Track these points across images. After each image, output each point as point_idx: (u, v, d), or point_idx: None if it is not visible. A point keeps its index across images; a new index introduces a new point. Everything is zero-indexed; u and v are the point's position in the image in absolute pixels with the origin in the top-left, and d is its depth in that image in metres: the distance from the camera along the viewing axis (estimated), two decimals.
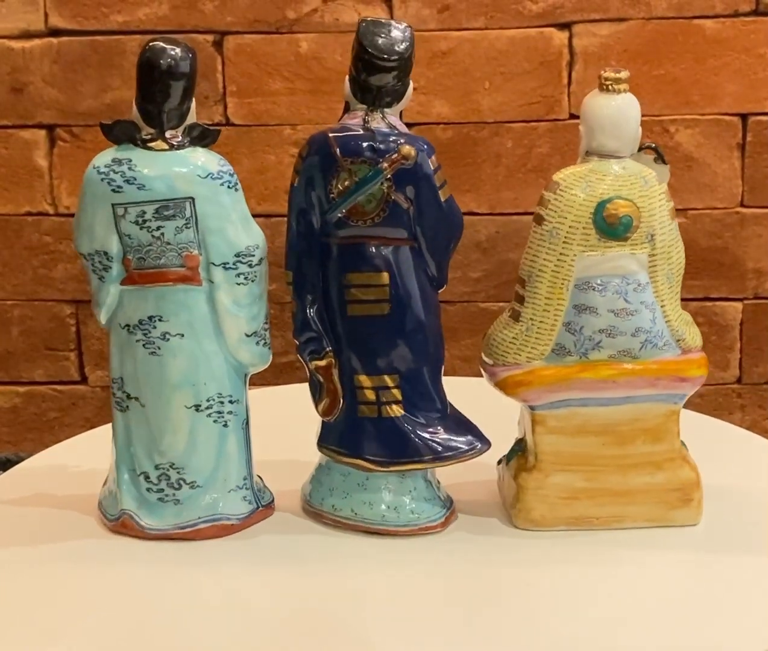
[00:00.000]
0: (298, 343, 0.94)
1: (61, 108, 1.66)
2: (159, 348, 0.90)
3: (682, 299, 1.65)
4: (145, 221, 0.87)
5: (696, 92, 1.59)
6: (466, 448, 0.92)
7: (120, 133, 0.88)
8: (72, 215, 1.73)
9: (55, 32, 1.65)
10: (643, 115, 1.62)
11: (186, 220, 0.88)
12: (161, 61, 0.87)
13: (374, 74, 0.90)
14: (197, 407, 0.91)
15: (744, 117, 1.60)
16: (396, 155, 0.88)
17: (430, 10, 1.59)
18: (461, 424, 0.94)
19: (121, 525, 0.92)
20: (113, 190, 0.87)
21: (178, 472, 0.91)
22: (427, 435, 0.91)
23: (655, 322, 0.91)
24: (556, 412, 0.90)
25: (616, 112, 0.91)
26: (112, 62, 1.64)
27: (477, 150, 1.61)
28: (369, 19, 0.92)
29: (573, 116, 1.61)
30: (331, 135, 0.90)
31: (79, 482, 1.04)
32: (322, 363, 0.92)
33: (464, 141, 1.62)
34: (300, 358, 0.95)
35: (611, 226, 0.88)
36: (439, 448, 0.91)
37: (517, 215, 1.64)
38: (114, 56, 1.64)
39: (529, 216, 1.68)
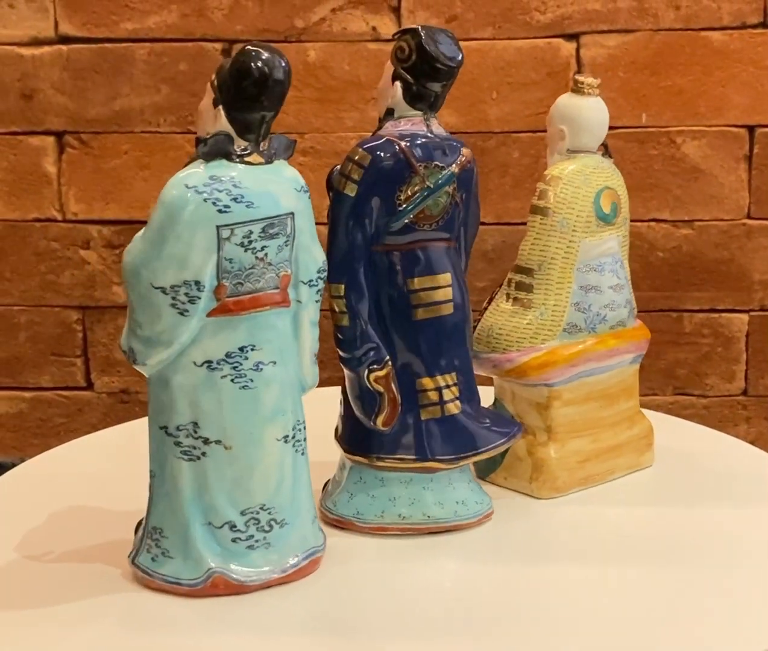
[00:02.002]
0: (352, 356, 0.90)
1: (70, 115, 1.67)
2: (251, 380, 0.81)
3: (688, 310, 1.67)
4: (250, 242, 0.80)
5: (703, 104, 1.59)
6: (509, 431, 0.96)
7: (218, 148, 0.80)
8: (80, 221, 1.75)
9: (65, 39, 1.65)
10: (650, 126, 1.63)
11: (286, 237, 0.83)
12: (275, 69, 0.80)
13: (438, 81, 0.92)
14: (286, 438, 0.84)
15: (751, 129, 1.60)
16: (463, 158, 0.92)
17: (437, 20, 1.60)
18: (493, 412, 1.00)
19: (212, 586, 0.82)
20: (219, 211, 0.79)
21: (269, 513, 0.83)
22: (480, 425, 0.95)
23: (632, 293, 1.05)
24: (570, 385, 0.99)
25: (601, 113, 1.03)
26: (122, 70, 1.65)
27: (484, 160, 1.62)
28: (425, 27, 0.93)
29: None
30: (402, 143, 0.90)
31: (80, 485, 1.04)
32: (382, 373, 0.90)
33: (471, 151, 1.62)
34: (352, 371, 0.91)
35: (606, 213, 1.01)
36: (492, 436, 0.95)
37: (524, 225, 1.64)
38: (123, 64, 1.65)
39: None
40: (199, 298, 0.79)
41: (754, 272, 1.63)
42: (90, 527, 0.96)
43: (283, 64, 0.81)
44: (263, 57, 0.80)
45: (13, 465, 1.64)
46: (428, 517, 0.93)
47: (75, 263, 1.71)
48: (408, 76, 0.91)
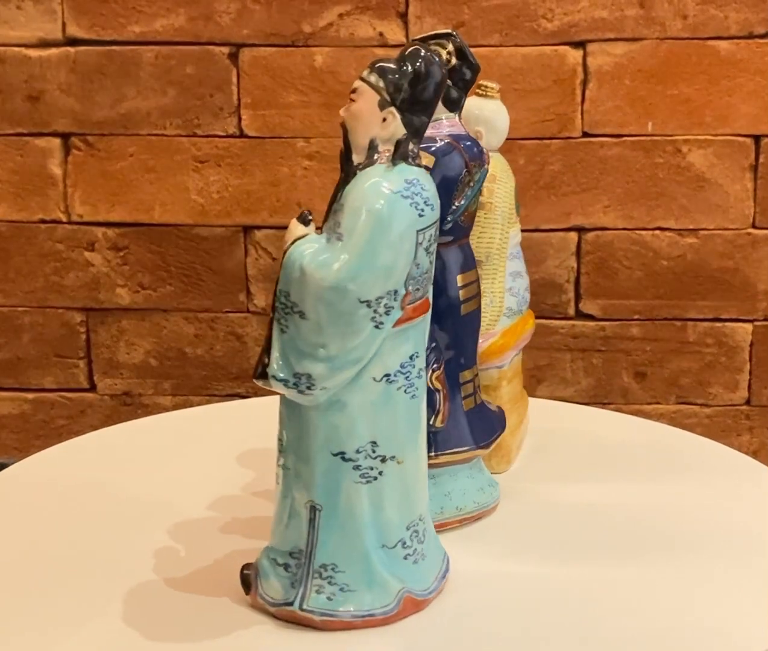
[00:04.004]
0: None
1: (76, 117, 1.67)
2: (417, 389, 0.79)
3: (692, 319, 1.67)
4: (430, 245, 0.78)
5: (709, 113, 1.60)
6: (500, 408, 1.02)
7: (405, 151, 0.77)
8: (85, 223, 1.75)
9: (73, 41, 1.66)
10: (656, 135, 1.63)
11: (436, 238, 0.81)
12: (445, 72, 0.79)
13: (472, 82, 0.94)
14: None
15: (757, 138, 1.60)
16: (487, 156, 0.94)
17: (445, 27, 1.60)
18: None
19: (404, 609, 0.78)
20: (419, 215, 0.75)
21: (423, 523, 0.81)
22: (494, 409, 1.00)
23: None
24: (511, 364, 1.07)
25: (506, 115, 1.09)
26: (128, 72, 1.65)
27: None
28: (457, 32, 0.94)
29: (586, 134, 1.62)
30: (458, 144, 0.91)
31: (79, 484, 1.04)
32: (441, 372, 0.91)
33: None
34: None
35: (518, 206, 1.09)
36: (499, 416, 1.00)
37: (528, 232, 1.64)
38: (130, 66, 1.65)
39: (540, 233, 1.70)
40: (393, 308, 0.76)
41: (758, 282, 1.63)
42: (86, 527, 0.96)
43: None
44: (438, 59, 0.78)
45: None
46: (477, 503, 0.95)
47: (79, 265, 1.71)
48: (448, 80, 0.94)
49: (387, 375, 0.77)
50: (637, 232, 1.64)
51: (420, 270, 0.77)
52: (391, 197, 0.74)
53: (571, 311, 1.67)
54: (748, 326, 1.65)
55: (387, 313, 0.75)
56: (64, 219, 1.71)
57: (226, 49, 1.64)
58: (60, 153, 1.69)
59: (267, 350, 0.76)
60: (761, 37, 1.57)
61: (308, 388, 0.75)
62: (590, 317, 1.67)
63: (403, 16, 1.61)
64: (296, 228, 0.77)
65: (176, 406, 1.71)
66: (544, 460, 1.11)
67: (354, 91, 0.77)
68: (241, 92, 1.65)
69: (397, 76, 0.77)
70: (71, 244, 1.71)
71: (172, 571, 0.88)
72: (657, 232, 1.63)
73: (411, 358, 0.78)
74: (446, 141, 0.91)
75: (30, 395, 1.76)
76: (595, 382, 1.68)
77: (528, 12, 1.59)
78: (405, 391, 0.78)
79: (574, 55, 1.60)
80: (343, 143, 0.77)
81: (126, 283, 1.71)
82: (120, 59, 1.65)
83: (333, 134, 1.63)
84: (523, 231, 1.65)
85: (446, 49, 0.93)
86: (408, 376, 0.78)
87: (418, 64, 0.77)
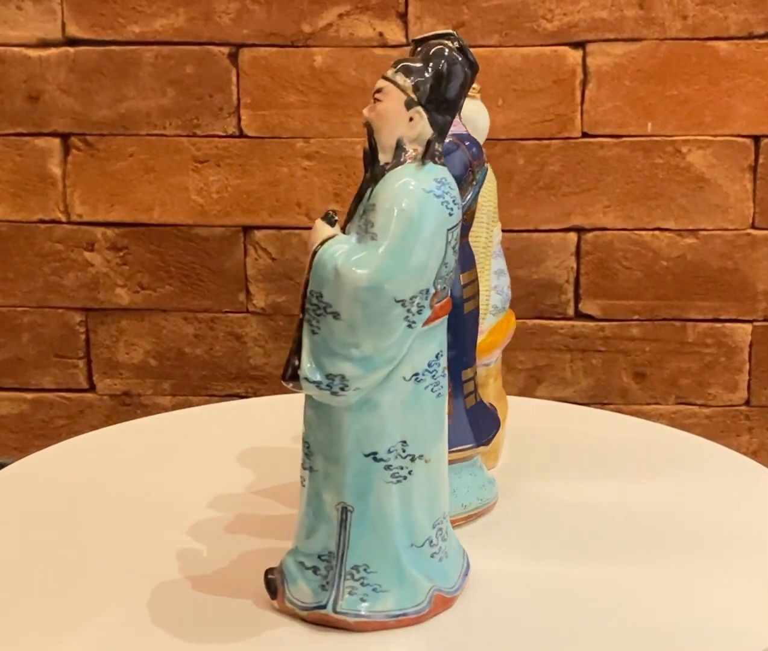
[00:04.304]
0: None
1: (76, 117, 1.67)
2: (442, 387, 0.79)
3: (691, 320, 1.67)
4: (456, 244, 0.78)
5: (709, 113, 1.60)
6: (493, 405, 1.02)
7: (434, 150, 0.77)
8: (85, 223, 1.75)
9: (72, 41, 1.66)
10: (655, 135, 1.63)
11: None
12: (467, 71, 0.79)
13: (472, 82, 0.95)
14: None
15: (756, 139, 1.60)
16: (485, 154, 0.95)
17: (444, 27, 1.60)
18: None
19: (434, 607, 0.79)
20: (449, 214, 0.76)
21: (446, 520, 0.81)
22: (489, 406, 1.00)
23: None
24: (495, 362, 1.08)
25: (486, 115, 1.11)
26: (128, 72, 1.65)
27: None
28: (457, 32, 0.95)
29: (585, 135, 1.62)
30: (462, 143, 0.92)
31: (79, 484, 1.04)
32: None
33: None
34: None
35: (498, 204, 1.09)
36: (494, 412, 1.00)
37: (527, 232, 1.65)
38: (130, 66, 1.65)
39: (539, 233, 1.70)
40: (424, 307, 0.76)
41: (758, 282, 1.63)
42: (84, 526, 0.96)
43: None
44: (461, 59, 0.78)
45: None
46: (480, 500, 0.96)
47: (79, 265, 1.71)
48: None
49: (416, 374, 0.77)
50: (637, 232, 1.64)
51: (447, 269, 0.77)
52: (424, 197, 0.74)
53: (571, 311, 1.67)
54: (748, 327, 1.65)
55: (419, 312, 0.75)
56: (64, 219, 1.71)
57: (225, 49, 1.64)
58: (59, 153, 1.69)
59: (296, 352, 0.75)
60: (761, 37, 1.57)
61: (341, 389, 0.74)
62: (590, 317, 1.67)
63: (403, 17, 1.61)
64: (323, 228, 0.76)
65: (176, 406, 1.71)
66: (540, 458, 1.11)
67: (379, 90, 0.77)
68: (241, 92, 1.65)
69: (423, 75, 0.77)
70: (71, 244, 1.71)
71: (171, 572, 0.87)
72: (656, 232, 1.63)
73: (437, 356, 0.78)
74: (450, 140, 0.91)
75: (29, 395, 1.76)
76: (594, 383, 1.68)
77: (528, 12, 1.59)
78: (432, 390, 0.78)
79: (574, 56, 1.60)
80: (368, 143, 0.76)
81: (125, 283, 1.71)
82: (119, 59, 1.65)
83: (332, 134, 1.63)
84: (522, 231, 1.66)
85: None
86: (434, 375, 0.78)
87: (443, 63, 0.77)
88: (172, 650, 0.77)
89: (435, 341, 0.78)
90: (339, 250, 0.74)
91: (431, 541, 0.79)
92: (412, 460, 0.77)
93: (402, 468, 0.77)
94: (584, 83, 1.61)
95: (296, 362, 0.75)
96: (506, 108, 1.61)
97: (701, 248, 1.63)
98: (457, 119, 0.95)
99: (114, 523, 0.97)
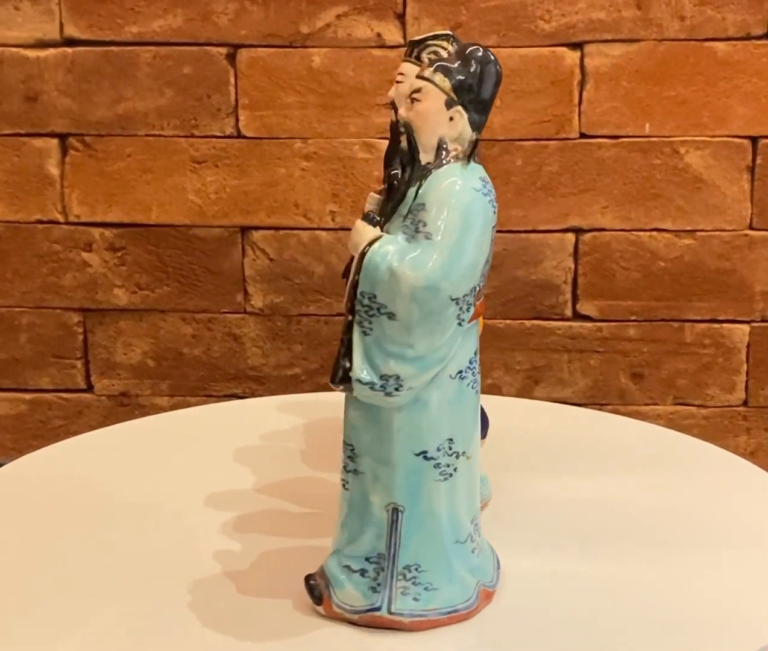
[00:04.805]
0: None
1: (74, 117, 1.67)
2: (478, 383, 0.80)
3: (689, 321, 1.67)
4: (492, 242, 0.79)
5: (707, 114, 1.60)
6: None
7: (476, 150, 0.78)
8: (82, 224, 1.75)
9: (70, 42, 1.66)
10: (653, 136, 1.63)
11: None
12: (500, 70, 0.80)
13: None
14: None
15: (754, 139, 1.60)
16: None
17: (442, 27, 1.60)
18: None
19: (480, 602, 0.81)
20: (493, 212, 0.77)
21: (479, 515, 0.83)
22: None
23: None
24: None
25: None
26: (126, 73, 1.65)
27: (487, 167, 1.59)
28: (454, 32, 0.96)
29: (583, 135, 1.62)
30: None
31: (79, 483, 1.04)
32: None
33: None
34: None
35: None
36: (484, 410, 0.99)
37: (526, 233, 1.65)
38: (128, 67, 1.65)
39: (537, 234, 1.70)
40: (471, 305, 0.77)
41: (755, 283, 1.63)
42: (81, 526, 0.95)
43: None
44: (494, 58, 0.79)
45: None
46: (483, 495, 0.96)
47: (77, 265, 1.71)
48: None
49: (460, 371, 0.78)
50: (635, 233, 1.64)
51: (488, 266, 0.78)
52: (474, 195, 0.75)
53: (569, 312, 1.67)
54: (746, 327, 1.65)
55: (467, 310, 0.76)
56: (62, 219, 1.70)
57: (223, 50, 1.64)
58: (57, 153, 1.69)
59: (346, 354, 0.75)
60: (758, 38, 1.58)
61: (396, 389, 0.75)
62: (587, 318, 1.67)
63: (401, 17, 1.61)
64: (366, 229, 0.77)
65: (173, 407, 1.70)
66: (538, 458, 1.11)
67: (418, 90, 0.77)
68: (239, 93, 1.65)
69: (462, 75, 0.77)
70: (68, 244, 1.71)
71: (168, 572, 0.87)
72: (654, 233, 1.63)
73: (475, 353, 0.79)
74: None
75: (27, 396, 1.76)
76: (592, 383, 1.68)
77: (525, 13, 1.59)
78: (471, 387, 0.79)
79: (572, 57, 1.60)
80: (407, 143, 0.77)
81: (123, 284, 1.71)
82: (117, 60, 1.65)
83: (330, 135, 1.63)
84: (520, 232, 1.66)
85: (446, 49, 0.94)
86: (473, 372, 0.79)
87: (479, 63, 0.77)
88: (171, 650, 0.77)
89: (473, 338, 0.79)
90: (390, 250, 0.75)
91: (471, 537, 0.80)
92: (457, 457, 0.78)
93: (448, 465, 0.78)
94: (582, 84, 1.61)
95: (347, 364, 0.75)
96: (504, 109, 1.61)
97: (699, 249, 1.63)
98: None
99: (111, 523, 0.97)
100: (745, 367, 1.66)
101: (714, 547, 0.92)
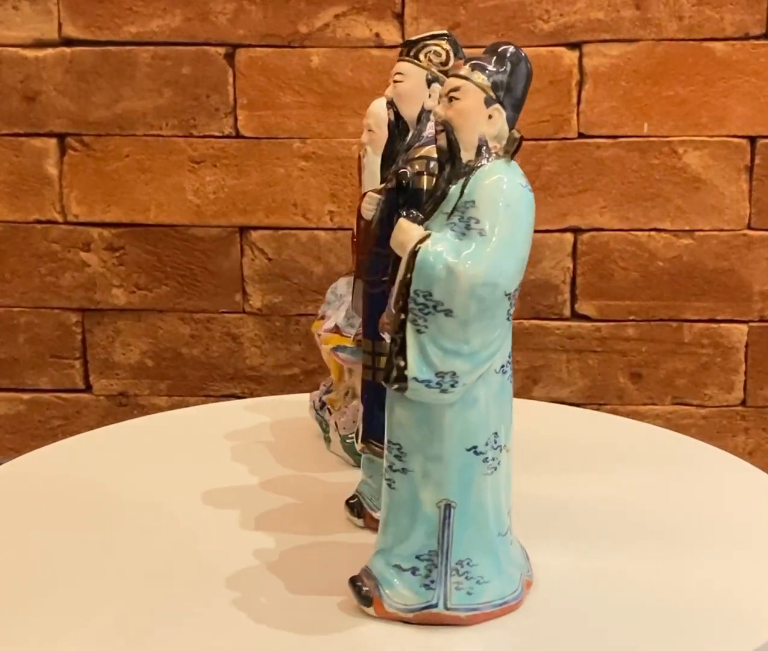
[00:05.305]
0: None
1: (72, 117, 1.67)
2: (512, 375, 0.80)
3: (687, 320, 1.67)
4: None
5: (705, 114, 1.60)
6: None
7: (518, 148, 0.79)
8: (81, 224, 1.75)
9: (69, 42, 1.66)
10: (651, 136, 1.64)
11: None
12: (530, 68, 0.80)
13: None
14: None
15: (753, 139, 1.60)
16: None
17: (441, 27, 1.60)
18: None
19: (525, 592, 0.81)
20: (534, 208, 0.78)
21: (511, 509, 0.83)
22: None
23: None
24: None
25: None
26: (124, 73, 1.65)
27: None
28: (450, 31, 0.96)
29: (582, 135, 1.62)
30: None
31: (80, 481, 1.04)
32: None
33: None
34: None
35: None
36: None
37: None
38: (126, 67, 1.65)
39: (536, 233, 1.69)
40: (516, 299, 0.77)
41: (754, 283, 1.63)
42: (78, 526, 0.96)
43: None
44: (524, 56, 0.79)
45: None
46: None
47: (75, 265, 1.71)
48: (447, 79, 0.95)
49: (503, 366, 0.78)
50: (633, 233, 1.64)
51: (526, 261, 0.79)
52: (522, 191, 0.76)
53: (567, 312, 1.67)
54: (744, 327, 1.65)
55: (513, 304, 0.77)
56: (60, 219, 1.70)
57: (222, 50, 1.64)
58: (56, 153, 1.69)
59: (400, 353, 0.75)
60: (757, 38, 1.58)
61: (452, 386, 0.75)
62: (586, 318, 1.67)
63: (399, 17, 1.61)
64: (412, 228, 0.77)
65: (172, 407, 1.70)
66: (534, 457, 1.11)
67: (456, 89, 0.77)
68: (237, 93, 1.65)
69: (499, 74, 0.78)
70: (67, 244, 1.71)
71: (166, 571, 0.87)
72: (653, 233, 1.64)
73: (510, 347, 0.80)
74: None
75: (25, 396, 1.76)
76: (590, 383, 1.68)
77: (524, 13, 1.59)
78: (509, 380, 0.79)
79: (570, 56, 1.60)
80: (447, 141, 0.77)
81: (122, 284, 1.71)
82: (116, 59, 1.65)
83: (329, 135, 1.63)
84: None
85: (445, 49, 0.94)
86: (510, 365, 0.79)
87: (511, 61, 0.78)
88: (170, 649, 0.77)
89: (511, 331, 0.79)
90: (444, 248, 0.75)
91: (510, 529, 0.81)
92: (500, 450, 0.79)
93: (494, 459, 0.78)
94: (581, 84, 1.61)
95: (402, 363, 0.75)
96: None
97: (697, 249, 1.63)
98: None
99: (110, 523, 0.96)
100: (743, 366, 1.66)
101: (712, 546, 0.92)
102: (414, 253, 0.75)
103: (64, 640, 0.78)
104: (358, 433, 0.97)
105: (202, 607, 0.82)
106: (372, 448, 0.95)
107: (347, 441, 1.10)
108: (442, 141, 0.77)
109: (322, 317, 1.18)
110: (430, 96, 0.94)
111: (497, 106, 0.77)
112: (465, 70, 0.78)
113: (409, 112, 0.95)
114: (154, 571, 0.87)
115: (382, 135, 1.09)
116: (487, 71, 0.77)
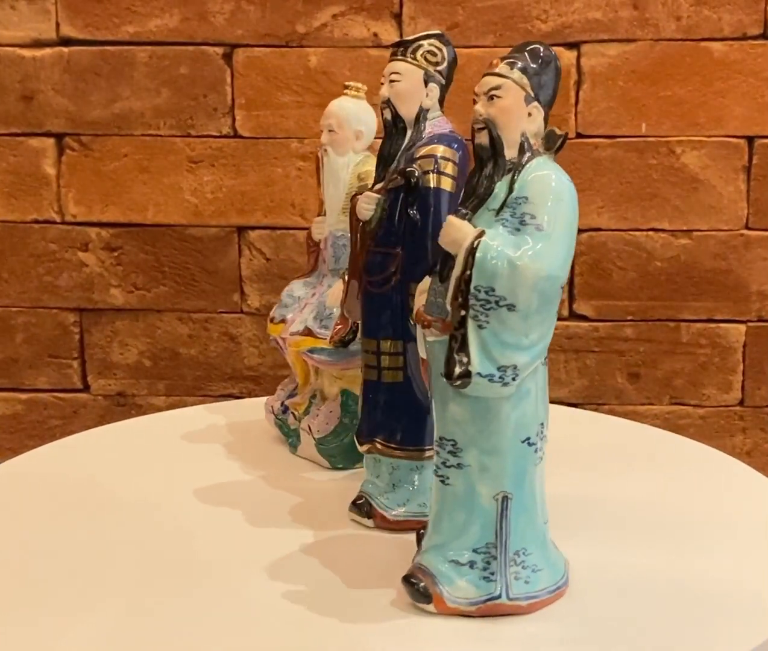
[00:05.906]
0: None
1: (70, 117, 1.67)
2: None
3: (685, 320, 1.67)
4: None
5: (703, 114, 1.60)
6: None
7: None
8: (79, 224, 1.75)
9: (66, 41, 1.66)
10: (649, 136, 1.64)
11: None
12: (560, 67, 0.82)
13: (452, 81, 0.97)
14: None
15: (750, 139, 1.60)
16: None
17: (439, 27, 1.60)
18: None
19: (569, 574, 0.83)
20: (577, 203, 0.79)
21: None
22: None
23: None
24: None
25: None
26: (122, 72, 1.65)
27: None
28: (444, 31, 0.97)
29: (580, 135, 1.62)
30: (461, 138, 0.93)
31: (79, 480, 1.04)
32: None
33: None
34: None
35: None
36: None
37: None
38: (124, 66, 1.65)
39: None
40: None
41: (751, 283, 1.64)
42: (75, 525, 0.96)
43: None
44: (554, 54, 0.81)
45: None
46: (425, 505, 0.94)
47: (73, 265, 1.71)
48: (442, 78, 0.95)
49: (546, 357, 0.80)
50: (631, 233, 1.64)
51: None
52: (569, 186, 0.77)
53: (565, 312, 1.67)
54: (742, 327, 1.65)
55: (561, 297, 0.78)
56: (58, 219, 1.70)
57: (220, 50, 1.64)
58: (54, 153, 1.68)
59: (461, 349, 0.76)
60: (754, 38, 1.58)
61: (513, 379, 0.76)
62: (584, 318, 1.67)
63: (397, 17, 1.61)
64: (464, 225, 0.78)
65: (170, 407, 1.70)
66: None
67: (497, 87, 0.78)
68: (235, 93, 1.65)
69: (536, 72, 0.79)
70: (65, 244, 1.71)
71: (164, 571, 0.87)
72: (651, 233, 1.64)
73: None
74: (458, 136, 0.94)
75: (23, 396, 1.75)
76: (588, 383, 1.68)
77: (522, 13, 1.59)
78: (547, 373, 0.81)
79: (568, 56, 1.60)
80: (489, 139, 0.78)
81: (120, 284, 1.71)
82: (114, 59, 1.65)
83: None
84: None
85: (440, 49, 0.95)
86: (547, 358, 0.80)
87: (544, 60, 0.79)
88: (169, 649, 0.77)
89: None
90: (502, 244, 0.76)
91: (548, 518, 0.82)
92: (544, 439, 0.80)
93: (541, 449, 0.80)
94: (578, 84, 1.61)
95: (464, 359, 0.76)
96: None
97: (695, 249, 1.63)
98: (444, 119, 0.95)
99: (107, 522, 0.96)
100: (741, 366, 1.66)
101: (710, 545, 0.92)
102: (472, 250, 0.75)
103: (64, 639, 0.78)
104: (360, 434, 0.97)
105: (200, 606, 0.82)
106: (377, 447, 0.95)
107: (322, 445, 1.09)
108: (483, 139, 0.78)
109: (282, 321, 1.18)
110: (427, 95, 0.95)
111: (536, 103, 0.79)
112: (503, 68, 0.79)
113: (408, 112, 0.95)
114: (151, 570, 0.87)
115: (344, 135, 1.11)
116: (527, 70, 0.78)
